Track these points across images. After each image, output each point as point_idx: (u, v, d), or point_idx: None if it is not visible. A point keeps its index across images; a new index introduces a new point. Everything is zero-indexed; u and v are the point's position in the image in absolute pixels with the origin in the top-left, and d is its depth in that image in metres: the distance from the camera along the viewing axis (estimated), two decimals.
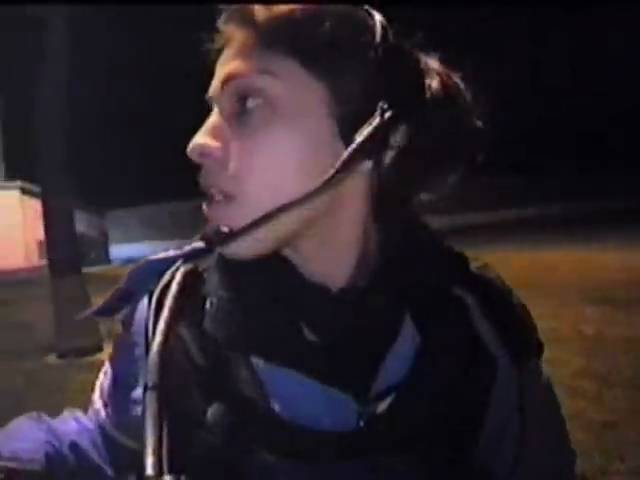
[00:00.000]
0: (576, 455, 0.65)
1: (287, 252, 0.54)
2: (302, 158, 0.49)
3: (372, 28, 0.51)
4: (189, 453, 0.51)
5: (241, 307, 0.53)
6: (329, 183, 0.49)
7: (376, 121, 0.49)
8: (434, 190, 0.56)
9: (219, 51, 0.53)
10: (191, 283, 0.56)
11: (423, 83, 0.53)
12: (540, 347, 0.61)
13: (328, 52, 0.49)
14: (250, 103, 0.49)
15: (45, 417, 0.63)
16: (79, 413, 0.65)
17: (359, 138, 0.49)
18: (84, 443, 0.61)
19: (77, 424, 0.63)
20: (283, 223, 0.49)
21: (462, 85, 0.55)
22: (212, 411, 0.51)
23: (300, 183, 0.49)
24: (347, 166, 0.49)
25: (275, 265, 0.53)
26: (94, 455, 0.61)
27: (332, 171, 0.48)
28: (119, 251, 19.08)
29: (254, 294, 0.53)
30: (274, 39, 0.49)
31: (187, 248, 0.61)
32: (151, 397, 0.49)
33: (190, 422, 0.51)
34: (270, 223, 0.49)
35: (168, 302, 0.54)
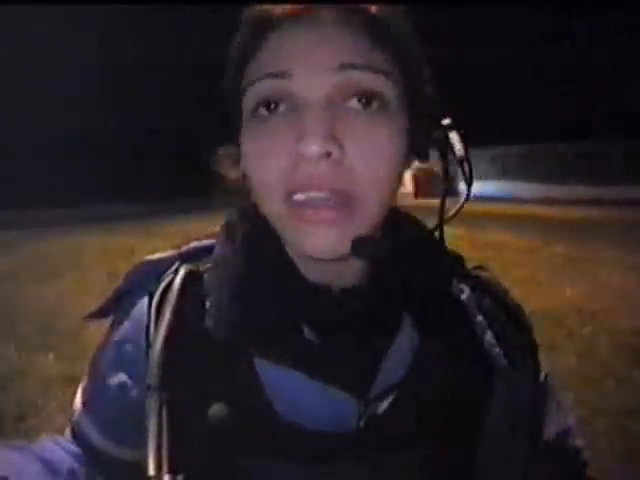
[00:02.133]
0: (584, 452, 0.65)
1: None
2: (403, 156, 0.51)
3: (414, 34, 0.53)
4: (190, 453, 0.51)
5: (242, 307, 0.53)
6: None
7: (439, 125, 0.54)
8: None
9: (265, 20, 0.49)
10: (192, 284, 0.56)
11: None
12: (536, 348, 0.60)
13: (414, 55, 0.51)
14: (366, 96, 0.47)
15: (30, 447, 0.56)
16: (59, 438, 0.60)
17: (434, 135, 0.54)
18: (76, 466, 0.57)
19: (63, 451, 0.58)
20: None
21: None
22: (212, 411, 0.51)
23: (396, 182, 0.51)
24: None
25: (277, 265, 0.53)
26: (90, 476, 0.58)
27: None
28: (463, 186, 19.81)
29: (255, 294, 0.53)
30: (385, 37, 0.48)
31: (185, 249, 0.61)
32: (152, 398, 0.50)
33: (191, 423, 0.51)
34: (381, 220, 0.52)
35: (169, 303, 0.54)
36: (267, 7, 0.49)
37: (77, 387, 0.63)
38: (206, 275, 0.57)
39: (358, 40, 0.47)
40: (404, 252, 0.55)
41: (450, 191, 0.56)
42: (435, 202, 0.58)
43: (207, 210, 5.71)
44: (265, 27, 0.48)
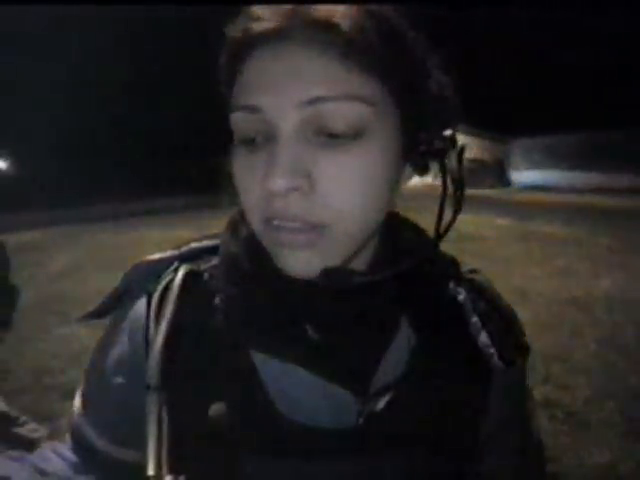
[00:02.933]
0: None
1: None
2: (384, 180, 0.48)
3: (421, 43, 0.50)
4: (190, 453, 0.51)
5: (244, 305, 0.53)
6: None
7: (441, 145, 0.51)
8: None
9: (242, 43, 0.47)
10: (192, 283, 0.56)
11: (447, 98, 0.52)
12: (527, 350, 0.61)
13: (409, 76, 0.48)
14: (335, 129, 0.45)
15: (27, 456, 0.57)
16: (59, 445, 0.59)
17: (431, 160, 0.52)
18: (73, 478, 0.56)
19: (61, 460, 0.58)
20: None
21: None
22: (213, 411, 0.51)
23: (380, 205, 0.49)
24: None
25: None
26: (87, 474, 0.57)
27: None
28: (520, 176, 19.34)
29: (257, 292, 0.53)
30: (364, 58, 0.45)
31: (184, 249, 0.60)
32: (152, 397, 0.50)
33: (191, 422, 0.51)
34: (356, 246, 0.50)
35: (170, 303, 0.54)
36: (245, 27, 0.47)
37: None
38: (206, 275, 0.58)
39: (332, 67, 0.44)
40: (403, 253, 0.56)
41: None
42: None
43: None
44: (241, 53, 0.48)
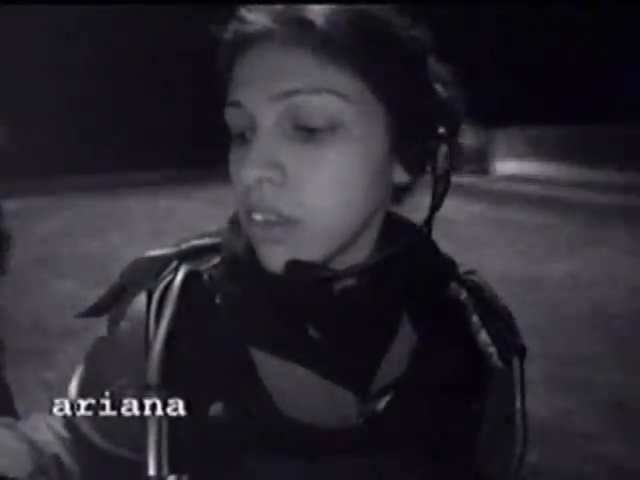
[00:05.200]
0: None
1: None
2: (365, 178, 0.49)
3: (413, 40, 0.50)
4: (190, 452, 0.51)
5: (245, 304, 0.54)
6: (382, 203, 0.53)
7: (433, 142, 0.51)
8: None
9: (234, 43, 0.49)
10: (192, 284, 0.56)
11: (447, 96, 0.53)
12: (524, 349, 0.62)
13: (395, 72, 0.48)
14: (312, 123, 0.46)
15: (18, 424, 0.57)
16: (51, 419, 0.58)
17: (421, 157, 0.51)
18: (63, 454, 0.56)
19: (52, 433, 0.57)
20: (346, 242, 0.51)
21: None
22: (213, 409, 0.51)
23: (361, 202, 0.49)
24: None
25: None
26: (75, 467, 0.56)
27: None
28: (501, 166, 19.61)
29: (258, 291, 0.53)
30: (335, 52, 0.45)
31: (184, 246, 0.60)
32: (152, 397, 0.50)
33: (190, 421, 0.51)
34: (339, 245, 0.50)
35: (170, 303, 0.54)
36: (234, 30, 0.49)
37: None
38: (206, 274, 0.57)
39: (305, 61, 0.45)
40: (404, 253, 0.55)
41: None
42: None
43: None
44: (231, 54, 0.50)
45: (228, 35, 0.50)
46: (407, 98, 0.49)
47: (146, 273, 0.57)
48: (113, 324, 0.58)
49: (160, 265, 0.58)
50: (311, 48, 0.46)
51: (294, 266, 0.49)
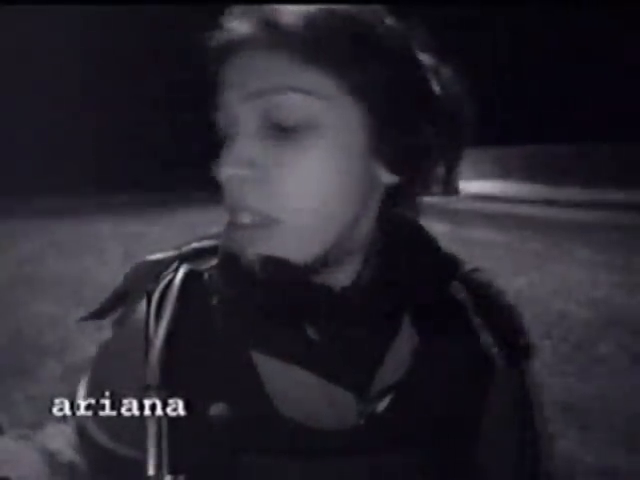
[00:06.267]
0: None
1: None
2: (342, 178, 0.49)
3: (402, 42, 0.50)
4: (190, 453, 0.51)
5: (244, 305, 0.53)
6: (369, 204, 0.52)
7: (417, 139, 0.50)
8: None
9: (219, 50, 0.51)
10: (192, 284, 0.56)
11: (433, 92, 0.52)
12: (529, 349, 0.61)
13: (374, 74, 0.48)
14: (286, 122, 0.47)
15: (34, 437, 0.57)
16: (65, 427, 0.58)
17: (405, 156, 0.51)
18: (77, 461, 0.56)
19: (64, 439, 0.57)
20: (330, 243, 0.50)
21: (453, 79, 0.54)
22: (213, 410, 0.51)
23: (340, 201, 0.49)
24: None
25: (279, 264, 0.50)
26: (88, 473, 0.56)
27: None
28: (467, 185, 19.97)
29: (258, 292, 0.52)
30: (310, 53, 0.46)
31: (184, 249, 0.60)
32: (152, 397, 0.50)
33: (190, 421, 0.51)
34: (323, 247, 0.50)
35: (170, 303, 0.54)
36: (217, 37, 0.51)
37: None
38: (206, 275, 0.57)
39: (278, 62, 0.47)
40: (405, 253, 0.55)
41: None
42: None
43: (206, 203, 6.56)
44: (217, 60, 0.51)
45: (213, 43, 0.52)
46: (387, 99, 0.49)
47: (147, 276, 0.58)
48: (117, 327, 0.59)
49: (161, 267, 0.59)
50: (289, 50, 0.47)
51: (270, 263, 0.49)
